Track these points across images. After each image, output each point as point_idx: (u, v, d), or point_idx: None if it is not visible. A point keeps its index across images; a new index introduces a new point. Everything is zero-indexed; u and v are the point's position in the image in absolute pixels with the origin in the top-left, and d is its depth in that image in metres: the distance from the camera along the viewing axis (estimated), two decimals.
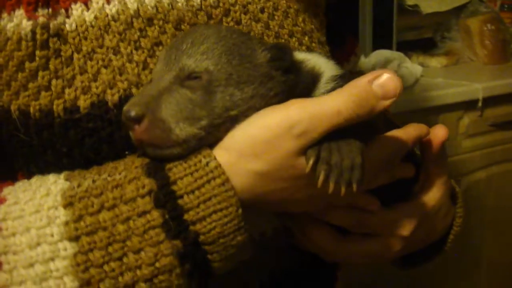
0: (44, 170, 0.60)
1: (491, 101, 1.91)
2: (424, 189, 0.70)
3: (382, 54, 1.94)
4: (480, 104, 1.88)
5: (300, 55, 0.64)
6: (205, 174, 0.54)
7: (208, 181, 0.54)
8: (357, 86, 0.54)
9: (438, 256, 0.78)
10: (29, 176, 0.60)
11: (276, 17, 0.71)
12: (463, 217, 0.75)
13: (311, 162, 0.54)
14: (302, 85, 0.61)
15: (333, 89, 0.61)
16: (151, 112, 0.54)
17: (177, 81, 0.57)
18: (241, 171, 0.55)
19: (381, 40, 2.02)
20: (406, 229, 0.67)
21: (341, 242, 0.67)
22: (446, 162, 0.71)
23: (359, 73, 0.95)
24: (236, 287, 0.66)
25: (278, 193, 0.57)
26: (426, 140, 0.69)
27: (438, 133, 0.69)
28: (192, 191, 0.54)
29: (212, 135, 0.56)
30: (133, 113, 0.54)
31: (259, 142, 0.54)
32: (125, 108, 0.54)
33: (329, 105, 0.54)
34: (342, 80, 0.63)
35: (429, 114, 1.82)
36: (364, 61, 1.93)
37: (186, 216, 0.53)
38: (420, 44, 2.21)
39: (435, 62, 2.13)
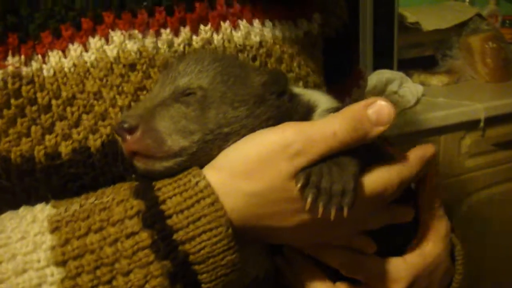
0: None
1: (493, 120, 1.90)
2: (421, 244, 0.68)
3: (382, 74, 1.92)
4: (482, 124, 1.87)
5: (296, 89, 0.64)
6: (194, 194, 0.53)
7: (198, 201, 0.53)
8: (352, 110, 0.55)
9: None
10: None
11: (269, 64, 0.70)
12: (463, 274, 0.73)
13: (299, 184, 0.53)
14: (296, 115, 0.60)
15: None
16: (144, 123, 0.54)
17: (172, 96, 0.57)
18: (232, 191, 0.54)
19: (382, 59, 2.00)
20: (399, 285, 0.64)
21: None
22: (442, 215, 0.69)
23: None
24: None
25: (269, 218, 0.56)
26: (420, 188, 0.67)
27: (431, 178, 0.68)
28: (181, 211, 0.53)
29: (204, 152, 0.56)
30: (126, 124, 0.54)
31: (252, 160, 0.54)
32: (119, 119, 0.54)
33: (324, 127, 0.54)
34: (335, 111, 0.62)
35: (430, 135, 1.81)
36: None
37: (175, 236, 0.52)
38: (421, 62, 2.19)
39: (436, 80, 2.11)
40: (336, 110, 0.62)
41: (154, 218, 0.52)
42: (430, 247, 0.67)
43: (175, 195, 0.53)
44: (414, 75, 2.12)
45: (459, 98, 1.94)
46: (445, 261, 0.69)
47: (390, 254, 0.66)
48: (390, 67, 2.01)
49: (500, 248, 2.06)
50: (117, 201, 0.54)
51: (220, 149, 0.56)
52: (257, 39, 0.69)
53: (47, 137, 0.59)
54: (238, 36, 0.68)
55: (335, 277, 0.65)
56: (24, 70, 0.58)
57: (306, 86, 0.72)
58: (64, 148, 0.59)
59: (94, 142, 0.59)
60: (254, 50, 0.69)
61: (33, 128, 0.58)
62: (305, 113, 0.62)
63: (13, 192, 0.59)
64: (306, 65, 0.74)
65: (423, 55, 2.22)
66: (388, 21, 2.01)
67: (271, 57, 0.70)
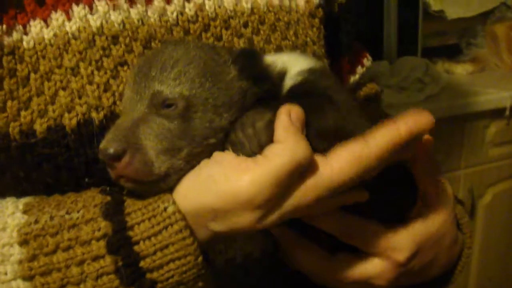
0: (5, 192, 0.59)
1: None
2: (423, 212, 0.64)
3: (407, 61, 1.90)
4: (507, 112, 1.84)
5: (268, 59, 0.61)
6: (162, 220, 0.52)
7: (165, 228, 0.52)
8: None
9: None
10: None
11: (261, 32, 0.68)
12: (472, 247, 0.70)
13: (230, 150, 0.53)
14: (271, 89, 0.59)
15: (296, 84, 0.60)
16: (131, 147, 0.52)
17: (152, 110, 0.54)
18: (199, 227, 0.53)
19: (406, 46, 1.99)
20: (401, 254, 0.61)
21: (328, 262, 0.62)
22: (442, 181, 0.65)
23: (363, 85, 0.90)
24: None
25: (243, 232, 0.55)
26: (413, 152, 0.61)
27: (425, 141, 0.61)
28: (149, 238, 0.52)
29: (190, 165, 0.54)
30: (111, 150, 0.51)
31: (216, 210, 0.52)
32: (102, 145, 0.52)
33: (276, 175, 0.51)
34: (310, 74, 0.60)
35: (454, 122, 1.79)
36: (389, 67, 1.90)
37: (142, 263, 0.52)
38: (445, 51, 2.17)
39: (461, 69, 2.09)
40: (309, 71, 0.61)
41: (119, 243, 0.52)
42: (432, 215, 0.64)
43: (143, 221, 0.52)
44: (438, 64, 2.10)
45: (484, 86, 1.92)
46: (450, 230, 0.66)
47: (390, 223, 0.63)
48: (414, 55, 2.00)
49: None
50: (86, 219, 0.53)
51: (204, 158, 0.55)
52: (248, 5, 0.67)
53: (23, 113, 0.58)
54: (228, 1, 0.66)
55: (334, 248, 0.63)
56: (6, 39, 0.57)
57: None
58: (39, 126, 0.58)
59: (70, 121, 0.58)
60: (245, 16, 0.67)
61: (9, 102, 0.57)
62: (278, 82, 0.60)
63: None
64: (305, 35, 0.72)
65: (447, 44, 2.19)
66: (413, 8, 1.99)
67: (264, 24, 0.68)
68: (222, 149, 0.55)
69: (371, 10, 1.96)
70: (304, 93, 0.58)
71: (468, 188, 1.86)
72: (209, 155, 0.54)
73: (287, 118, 0.52)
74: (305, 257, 0.62)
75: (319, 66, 0.63)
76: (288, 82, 0.60)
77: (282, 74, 0.60)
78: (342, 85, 0.60)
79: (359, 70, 0.88)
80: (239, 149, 0.52)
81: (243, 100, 0.57)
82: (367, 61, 0.91)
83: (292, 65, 0.61)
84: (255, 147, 0.52)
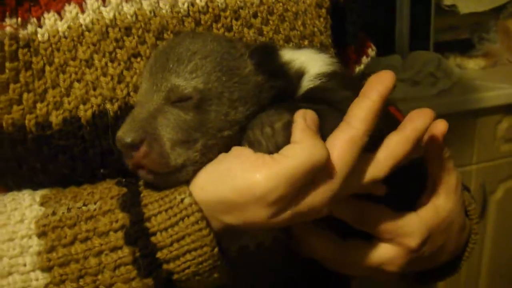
0: (21, 184, 0.59)
1: None
2: (433, 198, 0.65)
3: (419, 55, 1.90)
4: None
5: (287, 55, 0.61)
6: (179, 211, 0.53)
7: (182, 219, 0.53)
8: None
9: (450, 275, 0.74)
10: (6, 190, 0.60)
11: (271, 22, 0.68)
12: (479, 234, 0.71)
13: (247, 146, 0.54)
14: (288, 87, 0.60)
15: (314, 88, 0.60)
16: (149, 137, 0.52)
17: (168, 101, 0.55)
18: (213, 218, 0.54)
19: (418, 41, 1.98)
20: (413, 240, 0.62)
21: (340, 247, 0.63)
22: (452, 167, 0.66)
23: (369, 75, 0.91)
24: None
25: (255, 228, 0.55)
26: (426, 138, 0.62)
27: (437, 127, 0.62)
28: (166, 229, 0.53)
29: (206, 157, 0.55)
30: (129, 139, 0.52)
31: (231, 204, 0.53)
32: (119, 134, 0.52)
33: (292, 170, 0.52)
34: (329, 79, 0.61)
35: (466, 117, 1.79)
36: (401, 62, 1.89)
37: (159, 254, 0.53)
38: (457, 45, 2.16)
39: (473, 64, 2.09)
40: (326, 76, 0.61)
41: (137, 234, 0.53)
42: (442, 201, 0.64)
43: (160, 212, 0.53)
44: (450, 58, 2.10)
45: (496, 81, 1.91)
46: (459, 216, 0.67)
47: (402, 210, 0.63)
48: (426, 49, 2.00)
49: None
50: (103, 210, 0.54)
51: (220, 151, 0.55)
52: None
53: (39, 105, 0.58)
54: None
55: (345, 234, 0.64)
56: (21, 32, 0.58)
57: (311, 46, 0.70)
58: (55, 118, 0.58)
59: (85, 113, 0.59)
60: (254, 7, 0.67)
61: (25, 95, 0.58)
62: (296, 83, 0.61)
63: (5, 160, 0.60)
64: (313, 25, 0.72)
65: (459, 38, 2.19)
66: (425, 3, 1.99)
67: (272, 15, 0.68)
68: (238, 143, 0.55)
69: (383, 4, 1.96)
70: (320, 99, 0.59)
71: (480, 184, 1.86)
72: (224, 147, 0.55)
73: (303, 121, 0.53)
74: (317, 243, 0.63)
75: (337, 69, 0.63)
76: (306, 84, 0.61)
77: (300, 74, 0.61)
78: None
79: (364, 60, 0.88)
80: (256, 148, 0.53)
81: (259, 94, 0.57)
82: (371, 51, 0.91)
83: (311, 66, 0.62)
84: (272, 147, 0.53)
